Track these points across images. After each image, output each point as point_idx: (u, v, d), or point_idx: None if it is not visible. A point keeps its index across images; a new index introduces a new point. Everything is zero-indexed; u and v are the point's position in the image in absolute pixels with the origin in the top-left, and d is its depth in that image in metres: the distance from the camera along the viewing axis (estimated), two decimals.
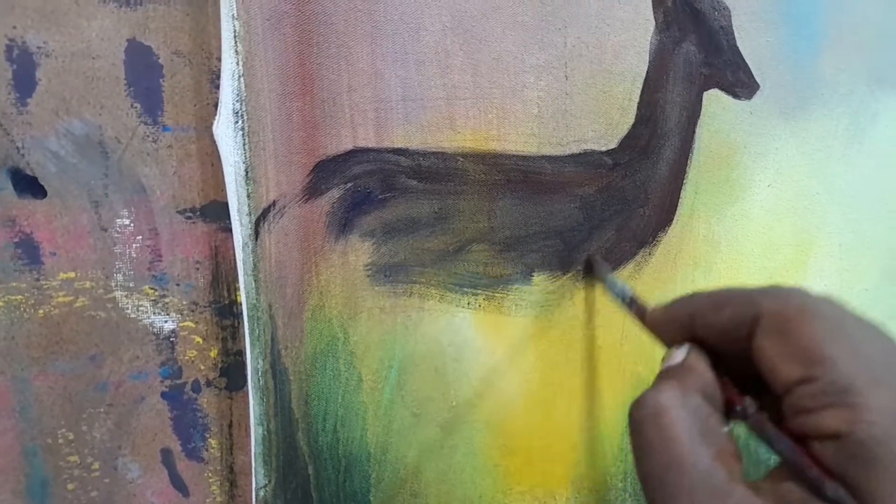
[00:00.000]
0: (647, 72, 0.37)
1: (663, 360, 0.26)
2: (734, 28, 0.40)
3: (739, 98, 0.40)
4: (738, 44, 0.40)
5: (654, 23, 0.37)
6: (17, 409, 0.30)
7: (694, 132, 0.39)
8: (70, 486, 0.31)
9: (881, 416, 0.19)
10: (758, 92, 0.41)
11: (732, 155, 0.41)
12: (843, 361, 0.20)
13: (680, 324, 0.26)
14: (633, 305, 0.33)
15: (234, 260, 0.32)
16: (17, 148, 0.29)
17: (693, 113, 0.39)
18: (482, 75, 0.35)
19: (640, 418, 0.23)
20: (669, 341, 0.27)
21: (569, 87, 0.36)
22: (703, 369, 0.24)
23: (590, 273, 0.39)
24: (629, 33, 0.37)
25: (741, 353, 0.23)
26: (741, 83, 0.40)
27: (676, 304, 0.27)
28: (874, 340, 0.21)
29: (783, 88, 0.42)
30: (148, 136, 0.30)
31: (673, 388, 0.23)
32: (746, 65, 0.40)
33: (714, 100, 0.39)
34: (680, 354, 0.25)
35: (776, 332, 0.22)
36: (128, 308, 0.31)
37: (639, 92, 0.37)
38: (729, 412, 0.24)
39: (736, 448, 0.22)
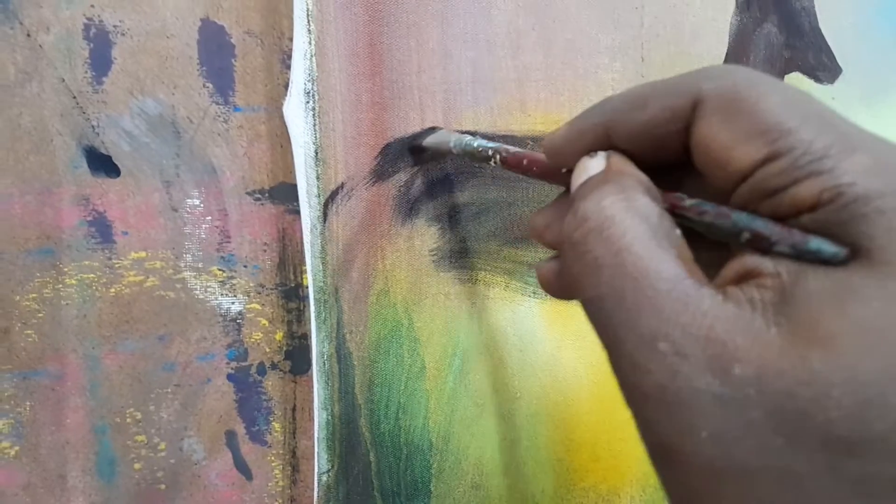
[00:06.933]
0: (727, 54, 0.36)
1: (573, 176, 0.22)
2: (816, 9, 0.38)
3: (821, 82, 0.38)
4: (820, 26, 0.38)
5: (734, 2, 0.36)
6: (88, 388, 0.30)
7: None
8: (137, 466, 0.32)
9: (865, 176, 0.16)
10: (840, 76, 0.39)
11: None
12: (813, 131, 0.17)
13: (592, 137, 0.22)
14: (502, 154, 0.27)
15: (301, 242, 0.32)
16: (93, 126, 0.29)
17: None
18: (555, 56, 0.33)
19: (582, 237, 0.19)
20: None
21: (645, 69, 0.35)
22: (633, 170, 0.20)
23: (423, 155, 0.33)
24: (708, 13, 0.35)
25: (668, 154, 0.20)
26: (823, 66, 0.38)
27: (584, 115, 0.22)
28: (835, 112, 0.18)
29: (865, 73, 0.40)
30: (219, 117, 0.30)
31: (612, 191, 0.19)
32: (829, 47, 0.38)
33: (795, 83, 0.38)
34: (598, 162, 0.21)
35: (727, 112, 0.18)
36: (196, 289, 0.31)
37: None
38: None
39: (690, 252, 0.19)
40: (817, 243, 0.16)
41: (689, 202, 0.20)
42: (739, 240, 0.18)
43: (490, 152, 0.27)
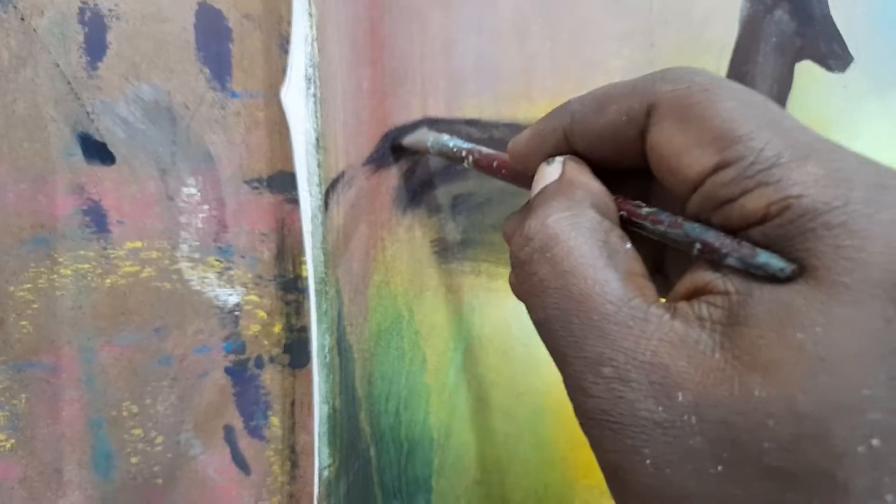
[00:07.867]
0: (737, 41, 0.35)
1: (533, 183, 0.22)
2: None
3: (832, 70, 0.38)
4: (832, 13, 0.37)
5: None
6: (84, 380, 0.30)
7: (785, 106, 0.37)
8: (133, 460, 0.31)
9: (815, 187, 0.16)
10: (851, 65, 0.38)
11: (824, 131, 0.38)
12: (764, 138, 0.17)
13: (554, 141, 0.21)
14: (475, 155, 0.27)
15: (300, 233, 0.31)
16: (87, 113, 0.28)
17: (784, 85, 0.36)
18: (561, 43, 0.33)
19: (527, 257, 0.19)
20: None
21: (654, 55, 0.34)
22: (587, 179, 0.20)
23: (402, 155, 0.32)
24: None
25: (630, 158, 0.20)
26: (834, 55, 0.37)
27: (545, 119, 0.22)
28: (790, 118, 0.18)
29: (877, 62, 0.39)
30: (216, 103, 0.30)
31: (559, 208, 0.19)
32: (840, 35, 0.37)
33: (806, 72, 0.37)
34: (555, 169, 0.21)
35: (678, 118, 0.18)
36: (193, 280, 0.31)
37: (728, 62, 0.35)
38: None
39: (643, 266, 0.19)
40: (766, 257, 0.16)
41: (645, 210, 0.19)
42: (692, 251, 0.18)
43: (463, 153, 0.27)
